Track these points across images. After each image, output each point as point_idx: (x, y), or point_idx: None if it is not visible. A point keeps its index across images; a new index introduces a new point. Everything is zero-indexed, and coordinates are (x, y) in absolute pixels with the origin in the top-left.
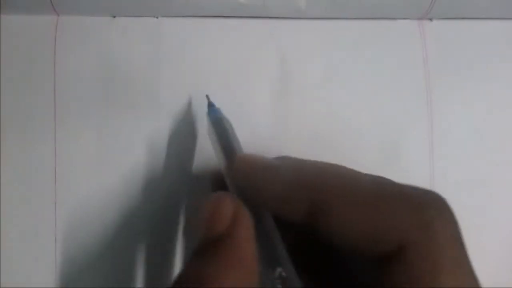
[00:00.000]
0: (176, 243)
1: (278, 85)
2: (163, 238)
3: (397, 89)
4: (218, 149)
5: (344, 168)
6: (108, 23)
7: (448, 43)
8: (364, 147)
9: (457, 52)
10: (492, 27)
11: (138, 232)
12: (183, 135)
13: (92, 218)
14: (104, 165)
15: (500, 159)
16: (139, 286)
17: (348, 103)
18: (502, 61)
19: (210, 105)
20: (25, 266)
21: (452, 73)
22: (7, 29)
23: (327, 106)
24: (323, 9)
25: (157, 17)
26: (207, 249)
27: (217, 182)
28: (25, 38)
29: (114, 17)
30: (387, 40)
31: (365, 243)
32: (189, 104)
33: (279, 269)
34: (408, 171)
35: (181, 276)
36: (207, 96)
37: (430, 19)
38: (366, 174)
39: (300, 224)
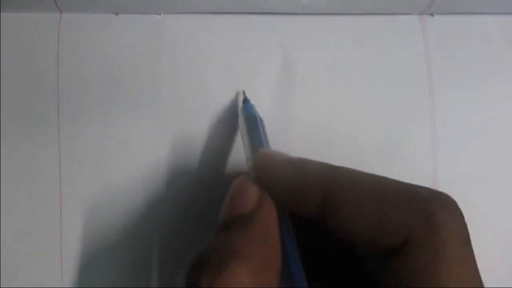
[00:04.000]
0: (184, 243)
1: (280, 81)
2: (166, 238)
3: (399, 84)
4: (246, 145)
5: (353, 169)
6: (111, 20)
7: (449, 38)
8: (366, 143)
9: (458, 47)
10: (493, 22)
11: (143, 230)
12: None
13: (98, 217)
14: (108, 163)
15: (503, 153)
16: (146, 285)
17: (350, 98)
18: (503, 56)
19: (245, 101)
20: (30, 266)
21: (454, 68)
22: (10, 27)
23: (329, 102)
24: (324, 5)
25: (159, 14)
26: (235, 224)
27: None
28: (28, 36)
29: (117, 14)
30: (388, 36)
31: (372, 237)
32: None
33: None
34: (411, 166)
35: (209, 248)
36: (243, 92)
37: (432, 14)
38: (374, 174)
39: (313, 218)
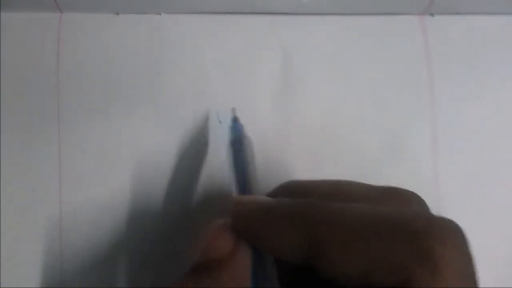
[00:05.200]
0: (185, 241)
1: (281, 81)
2: (166, 238)
3: (399, 84)
4: (231, 173)
5: (336, 203)
6: (111, 20)
7: (449, 38)
8: (366, 143)
9: (458, 47)
10: (493, 22)
11: (143, 230)
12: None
13: (98, 217)
14: (109, 163)
15: (504, 154)
16: (146, 285)
17: (350, 98)
18: (503, 56)
19: (234, 120)
20: (30, 266)
21: (454, 68)
22: (10, 27)
23: (329, 102)
24: (325, 5)
25: (160, 14)
26: (207, 269)
27: None
28: (28, 35)
29: (117, 14)
30: (388, 36)
31: (364, 280)
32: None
33: None
34: (412, 166)
35: None
36: (232, 109)
37: (432, 15)
38: (360, 206)
39: (300, 262)
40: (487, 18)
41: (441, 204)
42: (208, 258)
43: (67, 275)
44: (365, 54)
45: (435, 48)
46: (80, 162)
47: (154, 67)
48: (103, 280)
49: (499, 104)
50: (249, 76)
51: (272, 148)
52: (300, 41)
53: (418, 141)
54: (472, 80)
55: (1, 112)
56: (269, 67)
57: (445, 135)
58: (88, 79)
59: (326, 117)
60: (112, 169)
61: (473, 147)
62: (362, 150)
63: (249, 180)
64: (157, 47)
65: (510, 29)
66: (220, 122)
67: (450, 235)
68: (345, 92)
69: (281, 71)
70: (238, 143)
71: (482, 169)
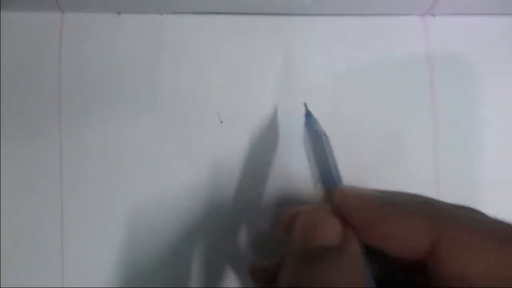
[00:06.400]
0: (181, 237)
1: (282, 82)
2: (169, 234)
3: (401, 85)
4: (314, 167)
5: (454, 207)
6: (113, 20)
7: (451, 39)
8: (368, 143)
9: (460, 48)
10: (494, 23)
11: (143, 230)
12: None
13: (99, 217)
14: (110, 163)
15: (504, 154)
16: (145, 285)
17: (352, 99)
18: (504, 56)
19: (308, 115)
20: (31, 267)
21: (455, 68)
22: (11, 27)
23: (331, 103)
24: (327, 6)
25: (161, 14)
26: (320, 255)
27: None
28: (30, 35)
29: (119, 14)
30: (390, 37)
31: (491, 282)
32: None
33: None
34: (413, 167)
35: (302, 278)
36: (305, 105)
37: (433, 15)
38: (473, 210)
39: (414, 261)
40: (488, 19)
41: None
42: (316, 245)
43: (68, 276)
44: (367, 54)
45: (437, 48)
46: (81, 162)
47: (155, 67)
48: (104, 280)
49: (499, 104)
50: (249, 77)
51: (271, 148)
52: (302, 42)
53: (419, 141)
54: (473, 80)
55: (2, 112)
56: (270, 68)
57: (446, 136)
58: (89, 79)
59: (328, 118)
60: (113, 169)
61: (473, 148)
62: (363, 150)
63: (337, 171)
64: (159, 47)
65: (510, 29)
66: (221, 122)
67: None
68: (347, 93)
69: (282, 72)
70: (319, 136)
71: (483, 169)
